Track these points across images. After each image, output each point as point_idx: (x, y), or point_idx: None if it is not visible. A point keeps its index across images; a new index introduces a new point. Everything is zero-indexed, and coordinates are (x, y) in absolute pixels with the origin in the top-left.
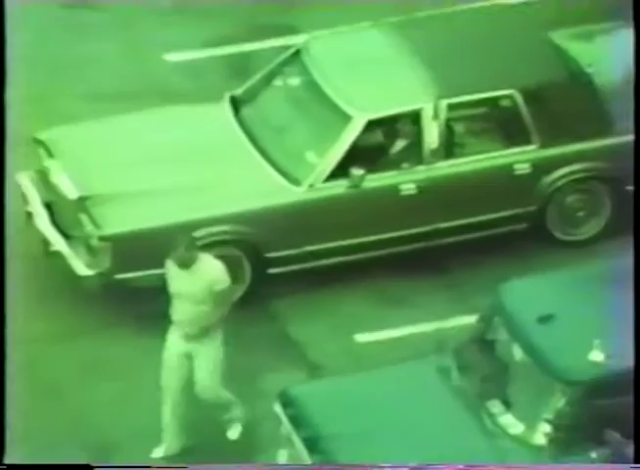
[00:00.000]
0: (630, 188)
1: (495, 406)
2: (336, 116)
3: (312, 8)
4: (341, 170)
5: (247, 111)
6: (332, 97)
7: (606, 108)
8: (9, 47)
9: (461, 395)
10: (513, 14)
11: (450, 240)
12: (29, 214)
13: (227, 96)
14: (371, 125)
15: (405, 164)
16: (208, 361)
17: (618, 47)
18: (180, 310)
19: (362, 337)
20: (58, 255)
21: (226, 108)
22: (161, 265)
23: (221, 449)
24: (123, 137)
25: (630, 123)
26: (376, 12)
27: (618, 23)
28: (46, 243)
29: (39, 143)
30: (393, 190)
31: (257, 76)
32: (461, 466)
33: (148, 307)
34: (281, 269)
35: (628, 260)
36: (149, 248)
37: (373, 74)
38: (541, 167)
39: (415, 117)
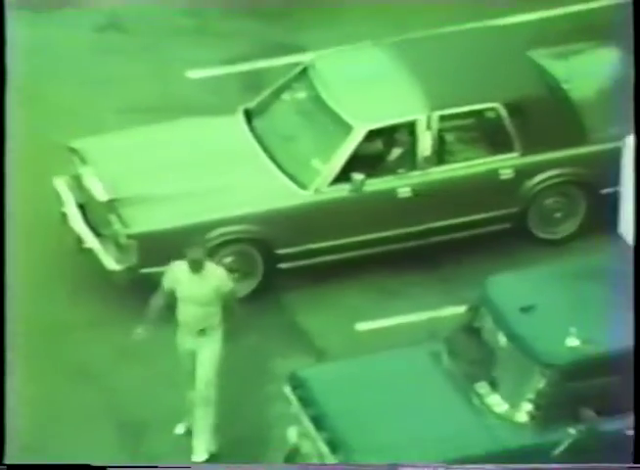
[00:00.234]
0: (604, 191)
1: (482, 387)
2: (338, 126)
3: (318, 29)
4: (343, 176)
5: (259, 122)
6: (335, 109)
7: (580, 119)
8: (46, 65)
9: (451, 377)
10: (497, 35)
11: (442, 238)
12: (64, 215)
13: (241, 109)
14: (371, 135)
15: (401, 170)
16: (210, 358)
17: (593, 65)
18: (186, 312)
19: (362, 326)
20: (90, 251)
21: (240, 119)
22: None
23: (237, 427)
24: (149, 146)
25: (602, 134)
26: (375, 32)
27: (593, 43)
28: (79, 240)
29: (73, 151)
30: (391, 193)
31: (268, 91)
32: (471, 466)
33: (169, 299)
34: (290, 264)
35: (601, 257)
36: (171, 245)
37: (372, 89)
38: (523, 173)
39: (410, 128)
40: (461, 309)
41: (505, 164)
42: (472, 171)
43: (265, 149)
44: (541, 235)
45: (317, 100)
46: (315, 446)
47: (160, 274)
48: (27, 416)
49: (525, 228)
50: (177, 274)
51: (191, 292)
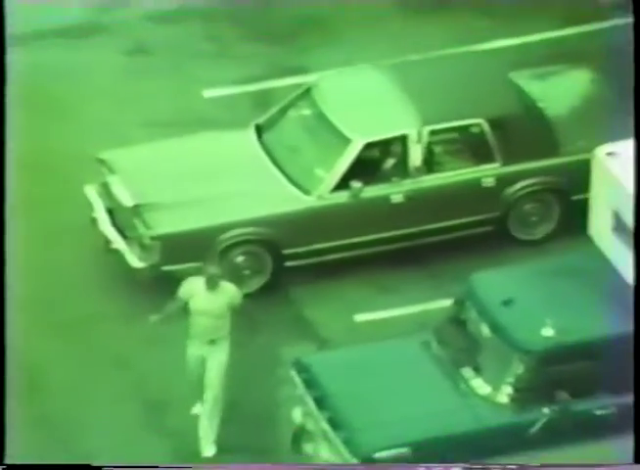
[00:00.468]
0: (575, 198)
1: (467, 372)
2: (339, 139)
3: (321, 52)
4: (343, 183)
5: (268, 135)
6: (336, 124)
7: (554, 134)
8: (80, 85)
9: (439, 363)
10: (481, 58)
11: (431, 239)
12: (94, 219)
13: (252, 124)
14: (367, 147)
15: (395, 178)
16: (219, 364)
17: (566, 86)
18: (199, 323)
19: (360, 317)
20: (117, 251)
21: (251, 133)
22: (199, 259)
23: (249, 407)
24: (170, 157)
25: (574, 146)
26: (372, 55)
27: (566, 66)
28: (107, 242)
29: (102, 162)
30: (385, 199)
31: (276, 108)
32: (493, 465)
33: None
34: (295, 263)
35: (574, 256)
36: (189, 245)
37: (369, 106)
38: (503, 181)
39: (403, 141)
40: (448, 303)
41: (487, 173)
42: (458, 180)
43: (273, 159)
44: (520, 237)
45: (320, 116)
46: (318, 424)
47: (179, 271)
48: (64, 398)
49: (505, 230)
50: (193, 289)
51: (204, 306)
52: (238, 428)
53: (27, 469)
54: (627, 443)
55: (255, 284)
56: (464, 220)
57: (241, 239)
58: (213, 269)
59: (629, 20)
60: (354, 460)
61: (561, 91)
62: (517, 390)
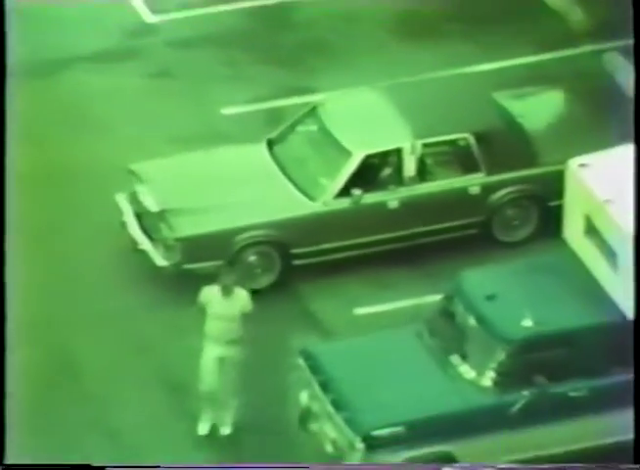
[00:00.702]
0: (551, 204)
1: (455, 359)
2: (341, 152)
3: (326, 75)
4: (345, 191)
5: (278, 149)
6: (338, 139)
7: (532, 147)
8: (111, 105)
9: (431, 351)
10: (467, 80)
11: (423, 241)
12: (124, 223)
13: (264, 139)
14: (367, 159)
15: (391, 186)
16: (235, 363)
17: (542, 104)
18: (214, 326)
19: (360, 311)
20: (143, 251)
21: (263, 147)
22: (216, 259)
23: (262, 391)
24: (191, 168)
25: (550, 158)
26: (371, 77)
27: (543, 87)
28: (135, 243)
29: (132, 173)
30: (383, 205)
31: (286, 124)
32: (518, 466)
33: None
34: (302, 262)
35: (550, 256)
36: (208, 246)
37: (368, 123)
38: (488, 189)
39: (398, 153)
40: (439, 298)
41: (473, 182)
42: (447, 188)
43: (283, 170)
44: (503, 239)
45: (324, 131)
46: (323, 406)
47: (199, 269)
48: (97, 380)
49: (489, 233)
50: (210, 296)
51: (220, 311)
52: (252, 409)
53: (27, 469)
54: (601, 421)
55: (266, 281)
56: (453, 224)
57: (253, 240)
58: (228, 278)
59: (599, 46)
60: (356, 438)
61: (538, 109)
62: (499, 374)
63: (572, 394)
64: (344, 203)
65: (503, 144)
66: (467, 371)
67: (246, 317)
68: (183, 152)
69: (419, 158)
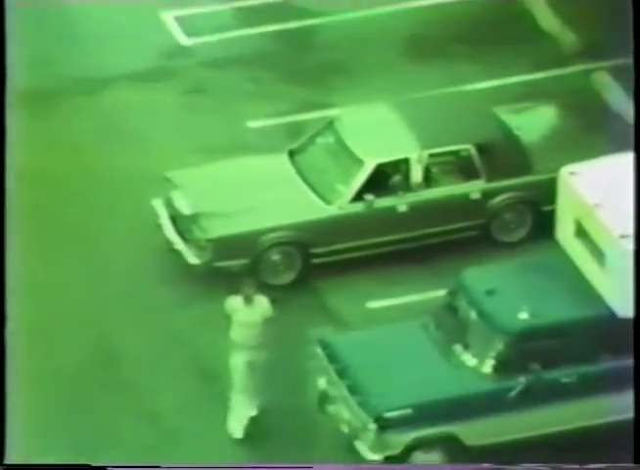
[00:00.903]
0: (545, 208)
1: (458, 348)
2: (355, 161)
3: (342, 92)
4: (358, 196)
5: (299, 158)
6: (353, 149)
7: (527, 156)
8: (148, 118)
9: (436, 341)
10: (469, 96)
11: (429, 241)
12: (160, 225)
13: (286, 149)
14: (378, 167)
15: (400, 192)
16: (260, 365)
17: (537, 118)
18: (239, 332)
19: (372, 304)
20: (177, 251)
21: (285, 157)
22: (243, 257)
23: (284, 377)
24: (221, 175)
25: (543, 166)
26: (383, 94)
27: (537, 102)
28: (169, 243)
29: (167, 180)
30: (392, 209)
31: (306, 136)
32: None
33: (234, 284)
34: (320, 260)
35: (544, 255)
36: (236, 246)
37: (380, 135)
38: (487, 195)
39: (406, 162)
40: (443, 293)
41: (474, 188)
42: (450, 193)
43: (303, 177)
44: (501, 240)
45: (340, 143)
46: (339, 390)
47: (227, 267)
48: (137, 367)
49: (489, 235)
50: (234, 305)
51: (244, 319)
52: (274, 393)
53: (27, 469)
54: (589, 404)
55: (288, 278)
56: (456, 226)
57: (277, 241)
58: (249, 289)
59: (588, 66)
60: (369, 419)
61: (533, 123)
62: (498, 362)
63: (564, 379)
64: (358, 207)
65: (501, 154)
66: (469, 359)
67: (267, 319)
68: (213, 161)
69: (425, 166)
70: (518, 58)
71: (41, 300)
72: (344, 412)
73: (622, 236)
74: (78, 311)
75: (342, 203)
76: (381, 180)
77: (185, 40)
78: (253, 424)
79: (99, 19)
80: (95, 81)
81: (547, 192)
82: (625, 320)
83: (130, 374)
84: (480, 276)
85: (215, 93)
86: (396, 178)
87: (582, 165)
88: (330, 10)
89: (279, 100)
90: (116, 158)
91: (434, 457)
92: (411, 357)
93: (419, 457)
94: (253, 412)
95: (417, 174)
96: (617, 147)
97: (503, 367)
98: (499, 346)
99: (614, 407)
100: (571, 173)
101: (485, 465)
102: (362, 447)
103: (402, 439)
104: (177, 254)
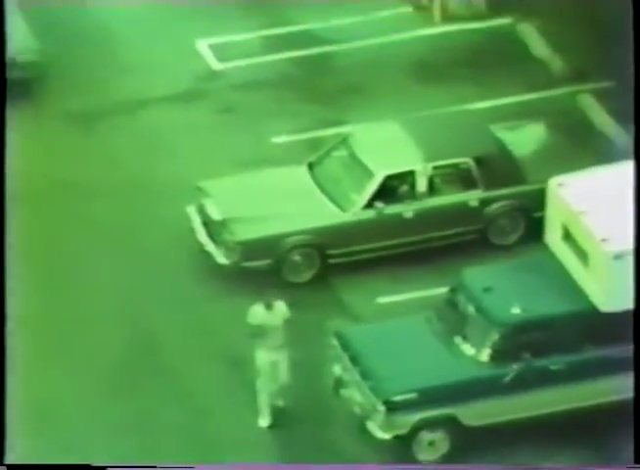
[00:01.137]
0: (535, 215)
1: (458, 339)
2: (367, 173)
3: (355, 110)
4: (370, 204)
5: (317, 170)
6: (364, 162)
7: (520, 168)
8: (182, 135)
9: (439, 333)
10: (469, 115)
11: (433, 244)
12: (193, 230)
13: (306, 162)
14: (387, 178)
15: (407, 200)
16: (285, 366)
17: (528, 134)
18: (265, 337)
19: (382, 300)
20: (208, 252)
21: (305, 169)
22: (268, 258)
23: (303, 365)
24: (248, 185)
25: (534, 177)
26: (391, 112)
27: (529, 120)
28: (201, 245)
29: (199, 189)
30: (399, 215)
31: (323, 150)
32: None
33: (261, 282)
34: (336, 261)
35: (534, 256)
36: (261, 248)
37: (389, 149)
38: (485, 203)
39: (413, 173)
40: (445, 290)
41: (472, 197)
42: (451, 201)
43: (321, 187)
44: (497, 243)
45: (354, 156)
46: (352, 376)
47: (254, 267)
48: (172, 356)
49: (486, 238)
50: (256, 312)
51: (266, 322)
52: (294, 380)
53: (27, 469)
54: (576, 388)
55: (307, 276)
56: (456, 231)
57: (298, 243)
58: (268, 299)
59: (574, 88)
60: (378, 402)
61: (525, 139)
62: (494, 352)
63: (552, 367)
64: (370, 213)
65: (497, 166)
66: (468, 349)
67: (287, 321)
68: (241, 172)
69: (429, 177)
70: (512, 80)
71: (73, 298)
72: (357, 395)
73: (604, 240)
74: (122, 306)
75: (355, 210)
76: (389, 190)
77: (217, 65)
78: (279, 410)
79: (141, 47)
80: (136, 103)
81: (538, 200)
82: (606, 314)
83: (169, 360)
84: (477, 275)
85: (243, 112)
86: (403, 188)
87: (569, 177)
88: (347, 38)
89: (300, 118)
90: (155, 170)
91: (438, 436)
92: (416, 347)
93: (425, 436)
94: (280, 404)
95: (422, 184)
96: (599, 160)
97: (498, 356)
98: (495, 337)
99: (597, 391)
100: (560, 184)
101: (485, 465)
102: (373, 427)
103: (409, 419)
104: (208, 255)
